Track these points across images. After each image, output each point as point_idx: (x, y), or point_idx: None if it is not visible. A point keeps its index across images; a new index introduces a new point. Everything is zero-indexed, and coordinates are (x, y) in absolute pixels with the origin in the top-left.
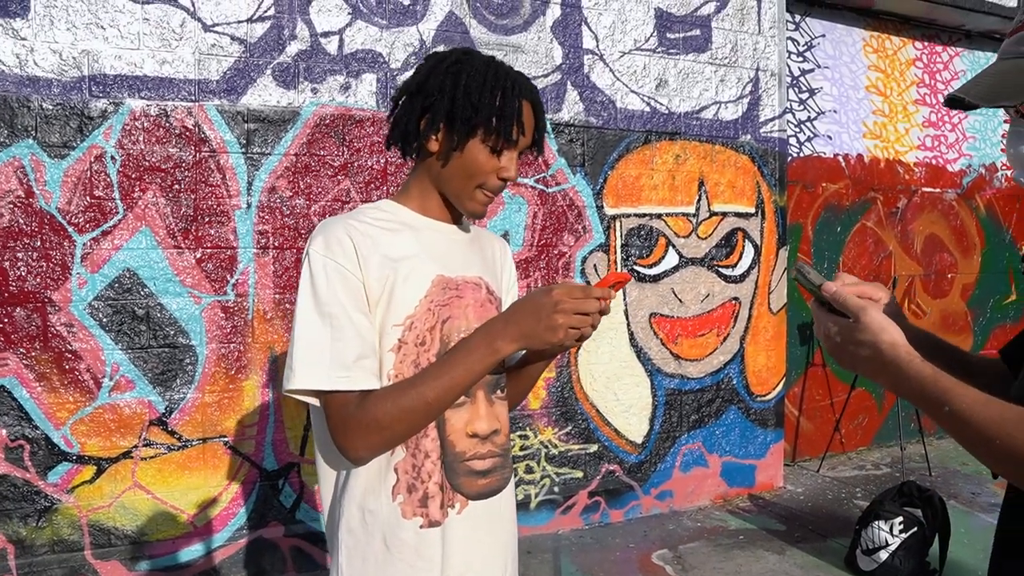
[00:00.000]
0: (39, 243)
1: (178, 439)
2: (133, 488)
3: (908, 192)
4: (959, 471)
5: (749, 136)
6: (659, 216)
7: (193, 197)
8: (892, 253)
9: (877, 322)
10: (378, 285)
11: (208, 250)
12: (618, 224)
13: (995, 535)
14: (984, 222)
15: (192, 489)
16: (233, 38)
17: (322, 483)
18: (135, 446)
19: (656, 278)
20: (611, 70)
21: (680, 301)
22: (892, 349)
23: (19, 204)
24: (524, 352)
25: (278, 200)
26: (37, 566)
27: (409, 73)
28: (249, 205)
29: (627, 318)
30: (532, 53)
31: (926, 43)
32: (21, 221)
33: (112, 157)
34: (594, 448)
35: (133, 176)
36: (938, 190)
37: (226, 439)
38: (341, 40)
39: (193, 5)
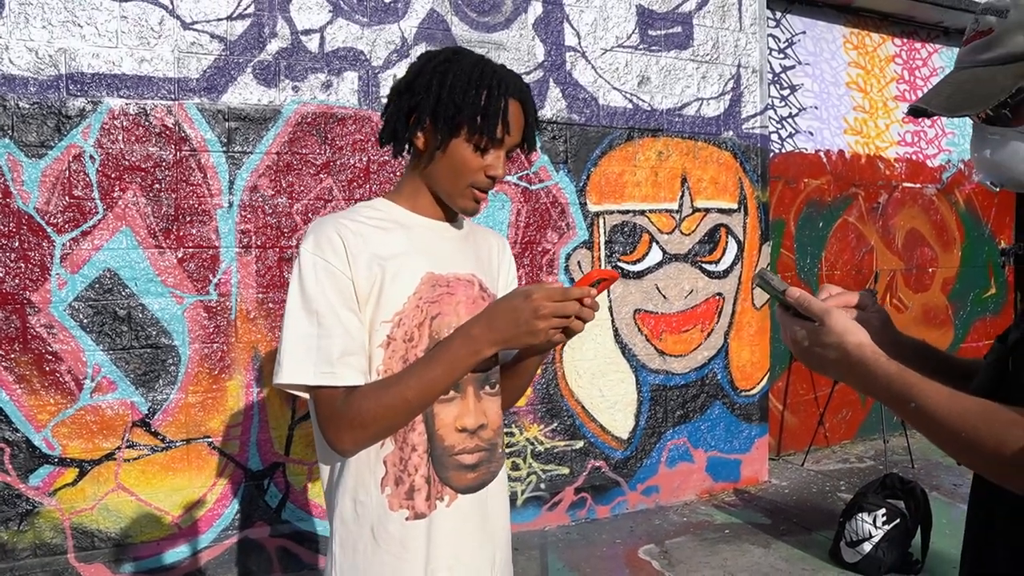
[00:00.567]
0: (17, 244)
1: (161, 440)
2: (116, 490)
3: (889, 187)
4: (941, 463)
5: (731, 132)
6: (642, 212)
7: (174, 196)
8: (874, 248)
9: (841, 324)
10: (367, 283)
11: (190, 249)
12: (601, 221)
13: (965, 525)
14: (964, 217)
15: (176, 490)
16: (213, 36)
17: (322, 475)
18: (118, 448)
19: (640, 274)
20: (593, 67)
21: (664, 297)
22: (858, 349)
23: None
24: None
25: (260, 199)
26: (19, 570)
27: (391, 71)
28: (231, 204)
29: (611, 314)
30: (514, 50)
31: (905, 40)
32: None
33: (91, 156)
34: (580, 444)
35: (113, 176)
36: (918, 185)
37: (210, 440)
38: (322, 38)
39: (172, 3)
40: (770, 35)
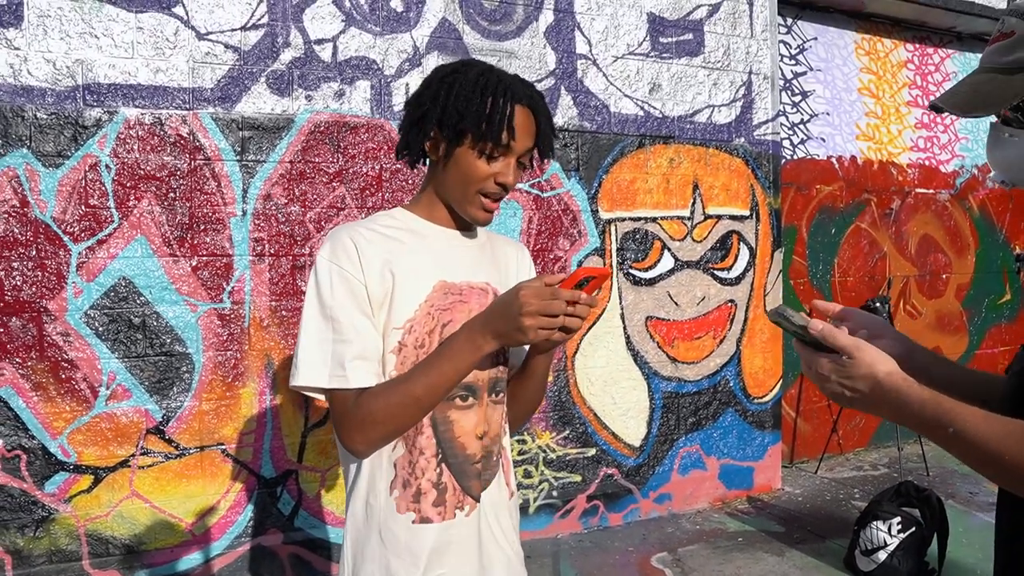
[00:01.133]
0: (34, 252)
1: (175, 447)
2: (131, 497)
3: (902, 193)
4: (956, 470)
5: (743, 139)
6: (654, 220)
7: (188, 205)
8: (887, 254)
9: (870, 355)
10: (380, 288)
11: (204, 258)
12: (613, 228)
13: (996, 533)
14: (977, 222)
15: (190, 497)
16: (227, 46)
17: (343, 476)
18: (132, 455)
19: (652, 281)
20: (604, 75)
21: (676, 304)
22: (889, 378)
23: (14, 214)
24: (527, 348)
25: (273, 207)
26: None
27: (403, 80)
28: (244, 213)
29: (623, 322)
30: (526, 59)
31: (917, 45)
32: (16, 231)
33: (107, 166)
34: (592, 452)
35: (128, 185)
36: (931, 191)
37: (224, 447)
38: (335, 47)
39: (187, 14)
40: (781, 41)
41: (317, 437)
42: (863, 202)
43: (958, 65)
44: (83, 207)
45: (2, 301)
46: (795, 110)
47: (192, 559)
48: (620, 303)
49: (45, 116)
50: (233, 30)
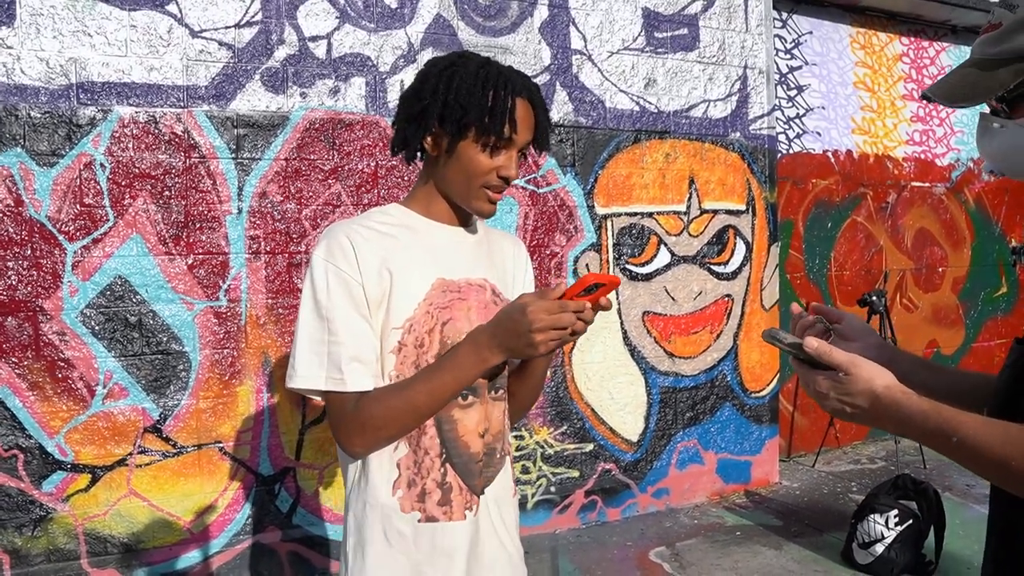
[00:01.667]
0: (29, 252)
1: (173, 446)
2: (129, 496)
3: (898, 187)
4: (953, 463)
5: (738, 134)
6: (650, 215)
7: (184, 203)
8: (883, 248)
9: (867, 370)
10: (378, 289)
11: (200, 256)
12: (609, 223)
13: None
14: (973, 215)
15: (188, 496)
16: (221, 44)
17: (343, 475)
18: (130, 453)
19: (648, 276)
20: (600, 70)
21: (673, 299)
22: (888, 392)
23: (8, 213)
24: None
25: (269, 205)
26: (34, 575)
27: (398, 76)
28: (240, 210)
29: (620, 317)
30: (520, 54)
31: (912, 38)
32: (11, 230)
33: (101, 164)
34: (590, 447)
35: (123, 183)
36: (927, 184)
37: (221, 445)
38: (329, 44)
39: (180, 11)
40: (776, 36)
41: (315, 434)
42: (859, 196)
43: (953, 58)
44: (78, 206)
45: None
46: (791, 104)
47: (191, 557)
48: (617, 298)
49: (39, 115)
50: (227, 27)
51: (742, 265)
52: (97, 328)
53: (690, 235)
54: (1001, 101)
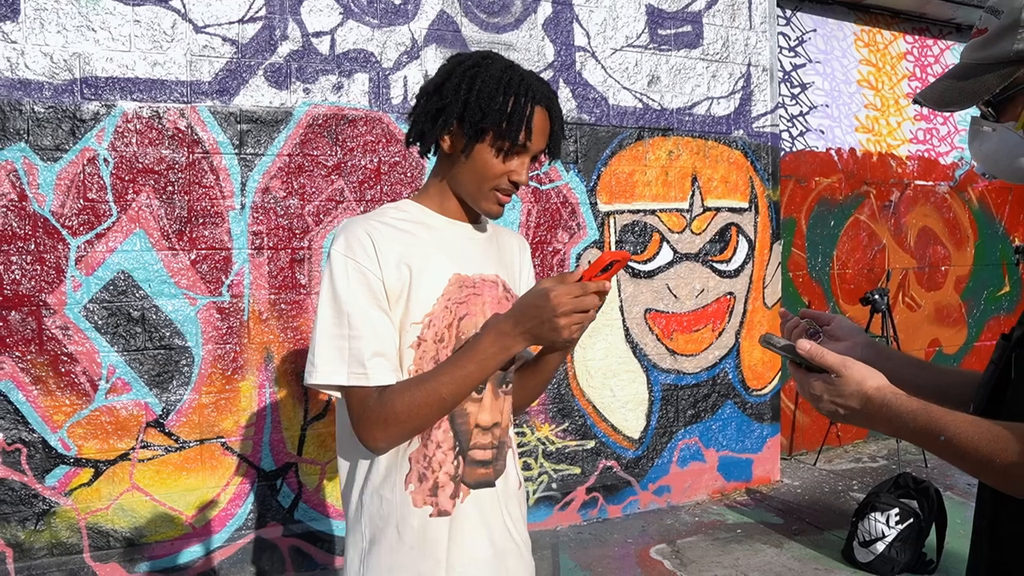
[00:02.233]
0: (33, 246)
1: (175, 440)
2: (131, 490)
3: (901, 185)
4: None
5: (742, 131)
6: (653, 212)
7: (187, 199)
8: (886, 246)
9: (858, 372)
10: (397, 283)
11: (203, 251)
12: (612, 220)
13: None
14: (977, 214)
15: (190, 490)
16: (224, 39)
17: (340, 472)
18: (133, 448)
19: (651, 274)
20: (603, 67)
21: (675, 297)
22: (878, 393)
23: (12, 207)
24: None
25: (272, 200)
26: (36, 569)
27: (401, 72)
28: (243, 206)
29: (622, 314)
30: (524, 51)
31: (917, 37)
32: (15, 224)
33: (105, 159)
34: (591, 444)
35: (126, 178)
36: (931, 183)
37: (223, 440)
38: (333, 40)
39: (184, 6)
40: (780, 33)
41: (317, 430)
42: (862, 194)
43: (957, 57)
44: (81, 201)
45: (1, 295)
46: (794, 102)
47: (193, 552)
48: (619, 295)
49: (43, 110)
50: (231, 23)
51: (744, 263)
52: (100, 323)
53: (693, 233)
54: (988, 105)
